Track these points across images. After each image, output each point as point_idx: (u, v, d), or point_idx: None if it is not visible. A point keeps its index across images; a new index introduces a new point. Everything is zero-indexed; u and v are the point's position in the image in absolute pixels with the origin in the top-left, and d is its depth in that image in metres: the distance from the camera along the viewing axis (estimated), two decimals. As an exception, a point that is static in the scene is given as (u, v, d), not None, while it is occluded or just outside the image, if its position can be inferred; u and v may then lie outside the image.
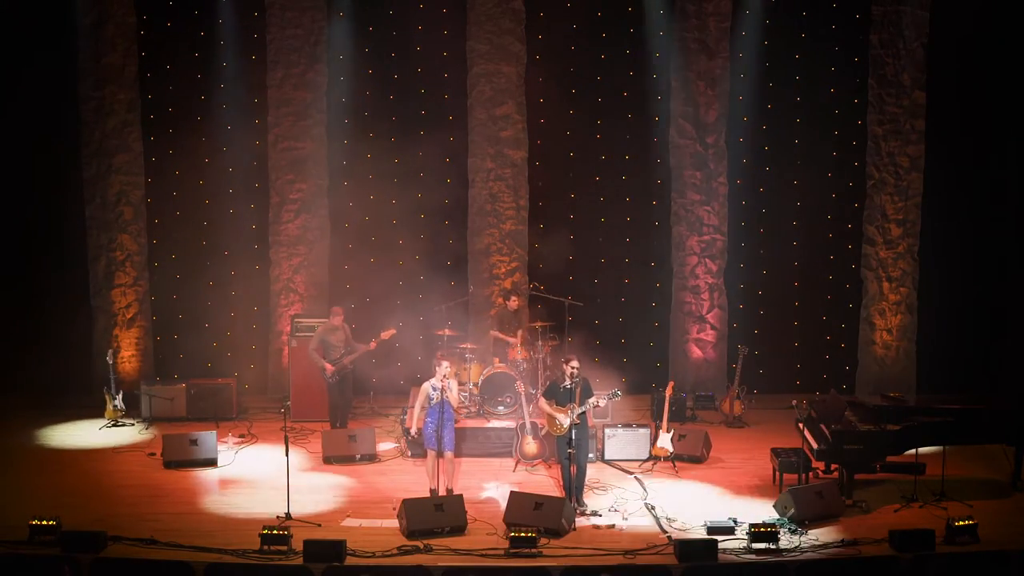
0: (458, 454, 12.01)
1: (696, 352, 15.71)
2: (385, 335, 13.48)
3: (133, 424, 14.20)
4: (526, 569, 9.75)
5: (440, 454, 11.44)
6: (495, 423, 13.42)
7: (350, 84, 15.43)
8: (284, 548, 10.04)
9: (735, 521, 10.66)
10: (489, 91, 15.31)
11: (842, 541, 10.35)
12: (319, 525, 10.79)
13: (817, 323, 15.84)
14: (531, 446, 12.71)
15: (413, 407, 13.38)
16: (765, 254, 15.81)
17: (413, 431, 11.77)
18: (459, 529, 10.61)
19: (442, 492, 11.37)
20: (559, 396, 11.27)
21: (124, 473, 12.54)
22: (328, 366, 13.47)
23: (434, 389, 11.34)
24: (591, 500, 11.48)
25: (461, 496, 11.07)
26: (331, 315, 13.72)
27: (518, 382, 12.85)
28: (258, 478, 12.31)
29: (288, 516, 10.88)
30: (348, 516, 11.11)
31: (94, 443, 13.55)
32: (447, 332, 14.02)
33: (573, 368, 11.17)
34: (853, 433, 11.49)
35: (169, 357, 15.73)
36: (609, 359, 14.72)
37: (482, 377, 13.68)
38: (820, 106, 15.46)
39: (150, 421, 14.30)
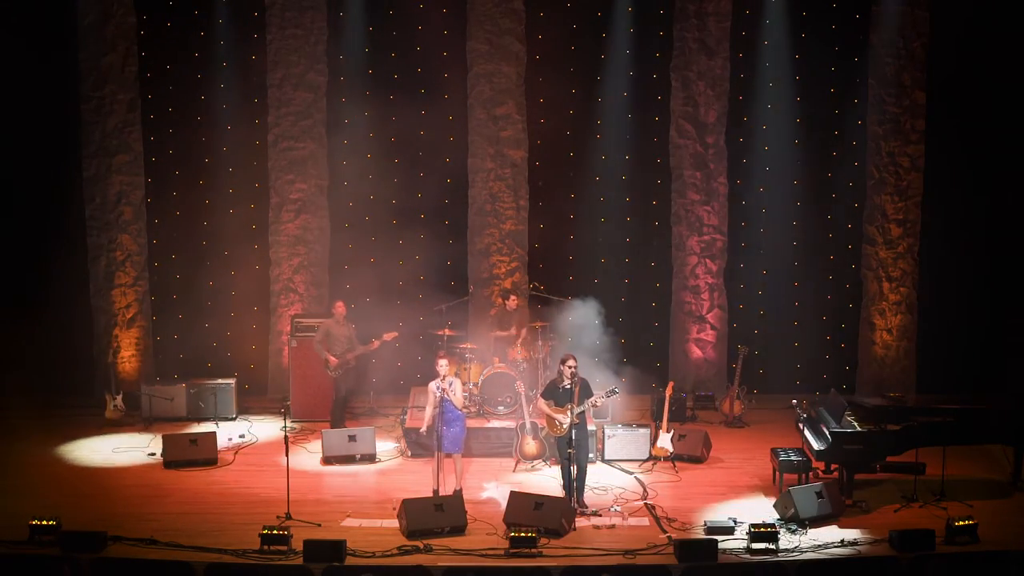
0: (464, 454, 12.00)
1: (696, 352, 15.71)
2: (388, 337, 13.51)
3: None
4: (526, 569, 9.75)
5: (446, 455, 11.47)
6: (495, 423, 13.43)
7: (350, 84, 15.43)
8: (284, 548, 10.05)
9: (735, 521, 10.66)
10: (489, 91, 15.31)
11: (842, 541, 10.35)
12: (319, 525, 10.79)
13: (817, 323, 15.84)
14: (531, 446, 12.71)
15: (415, 407, 13.46)
16: (765, 254, 15.80)
17: (423, 429, 11.72)
18: (459, 529, 10.60)
19: (449, 492, 11.37)
20: (558, 396, 11.26)
21: (124, 473, 12.55)
22: (332, 359, 13.50)
23: (437, 388, 11.36)
24: (591, 500, 11.48)
25: (461, 496, 11.08)
26: (334, 309, 13.77)
27: (518, 382, 12.85)
28: (258, 478, 12.31)
29: (288, 516, 10.88)
30: (348, 516, 11.11)
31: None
32: (447, 332, 14.03)
33: (571, 368, 11.16)
34: (853, 433, 11.49)
35: (169, 357, 15.73)
36: (609, 359, 14.71)
37: (482, 377, 13.68)
38: (820, 106, 15.45)
39: (150, 421, 14.31)
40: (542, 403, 11.46)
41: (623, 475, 12.50)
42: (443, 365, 11.45)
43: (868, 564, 9.93)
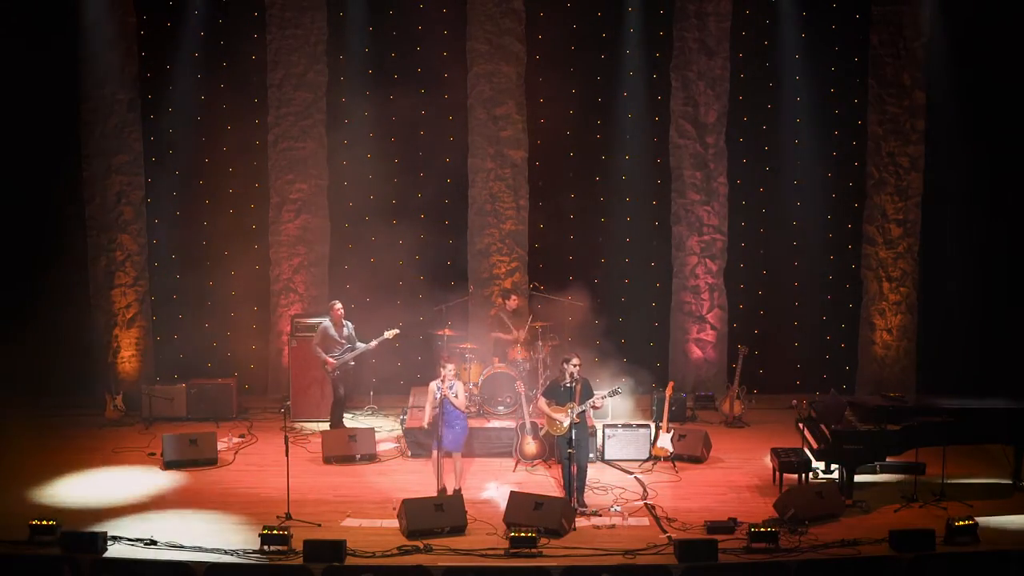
0: (464, 454, 12.01)
1: (696, 352, 15.71)
2: (389, 334, 13.49)
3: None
4: (526, 569, 9.75)
5: (446, 454, 11.48)
6: (495, 423, 13.43)
7: (350, 84, 15.43)
8: (284, 548, 10.05)
9: (735, 521, 10.66)
10: (489, 91, 15.31)
11: (842, 541, 10.35)
12: (319, 525, 10.80)
13: (817, 323, 15.83)
14: (531, 446, 12.71)
15: (415, 407, 13.45)
16: (765, 254, 15.80)
17: (425, 425, 11.69)
18: (459, 529, 10.61)
19: (449, 492, 11.40)
20: (559, 396, 11.27)
21: (124, 473, 12.54)
22: (330, 361, 13.49)
23: (437, 389, 11.36)
24: (591, 500, 11.48)
25: (461, 496, 11.09)
26: (331, 309, 13.73)
27: (518, 382, 12.86)
28: (258, 478, 12.31)
29: (288, 516, 10.88)
30: (348, 516, 11.12)
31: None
32: (447, 332, 14.02)
33: (574, 367, 11.18)
34: (853, 433, 11.50)
35: (169, 357, 15.73)
36: (609, 359, 14.71)
37: (482, 377, 13.68)
38: (820, 106, 15.43)
39: (150, 421, 14.30)
40: (542, 402, 11.47)
41: (623, 475, 12.50)
42: (448, 369, 11.46)
43: (868, 564, 9.93)
